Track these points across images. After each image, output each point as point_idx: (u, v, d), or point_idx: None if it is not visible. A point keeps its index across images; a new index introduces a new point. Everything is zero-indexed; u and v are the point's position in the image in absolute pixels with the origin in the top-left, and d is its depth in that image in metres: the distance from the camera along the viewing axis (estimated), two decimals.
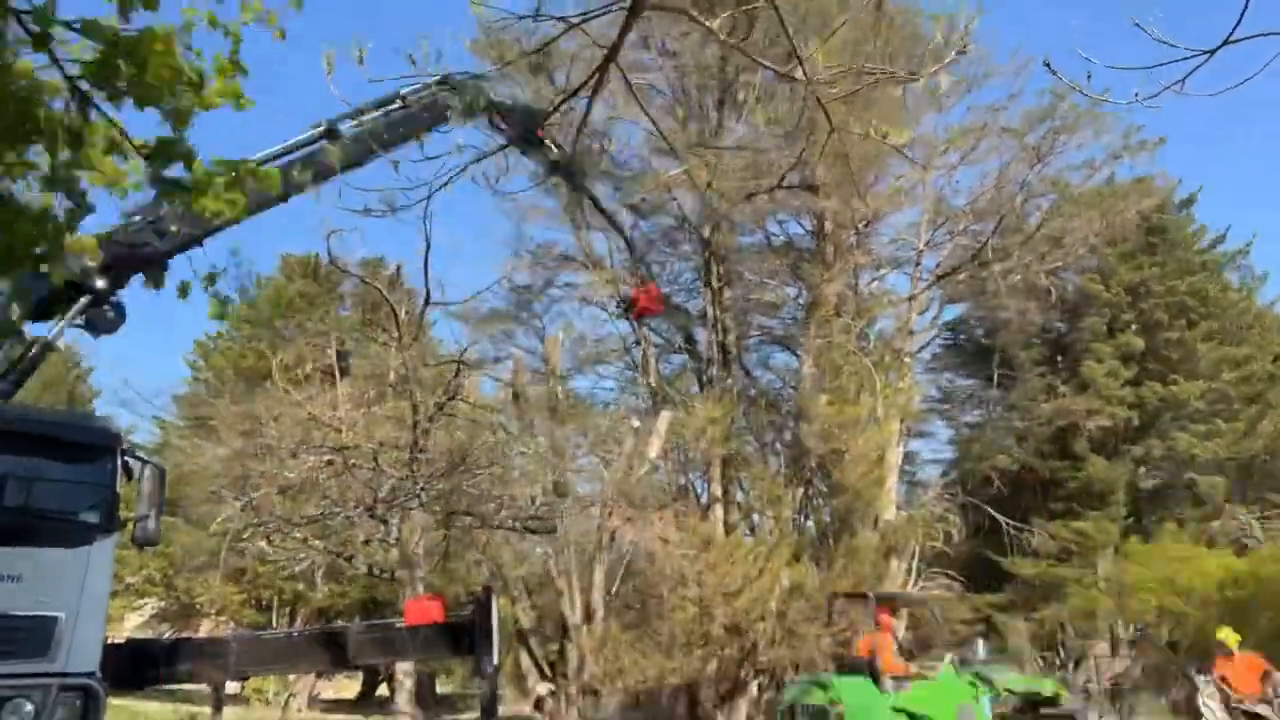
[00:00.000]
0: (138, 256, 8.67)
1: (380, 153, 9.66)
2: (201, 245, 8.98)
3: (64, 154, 3.97)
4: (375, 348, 19.65)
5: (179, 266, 9.06)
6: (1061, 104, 22.56)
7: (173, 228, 8.70)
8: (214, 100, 3.98)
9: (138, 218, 8.76)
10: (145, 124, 4.15)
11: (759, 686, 20.29)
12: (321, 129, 10.04)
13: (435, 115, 10.48)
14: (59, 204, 4.31)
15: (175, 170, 4.06)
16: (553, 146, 11.63)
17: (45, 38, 3.70)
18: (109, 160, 3.92)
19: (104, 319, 8.86)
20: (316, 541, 17.30)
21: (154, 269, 8.81)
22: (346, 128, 10.22)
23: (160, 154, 3.87)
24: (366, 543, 17.72)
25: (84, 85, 3.93)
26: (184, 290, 5.02)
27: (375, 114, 10.48)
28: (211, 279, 4.84)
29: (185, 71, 3.78)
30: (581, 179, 12.63)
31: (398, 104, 10.52)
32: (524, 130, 11.27)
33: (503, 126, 11.13)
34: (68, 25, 3.96)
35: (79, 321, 8.80)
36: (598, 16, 3.88)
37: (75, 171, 4.12)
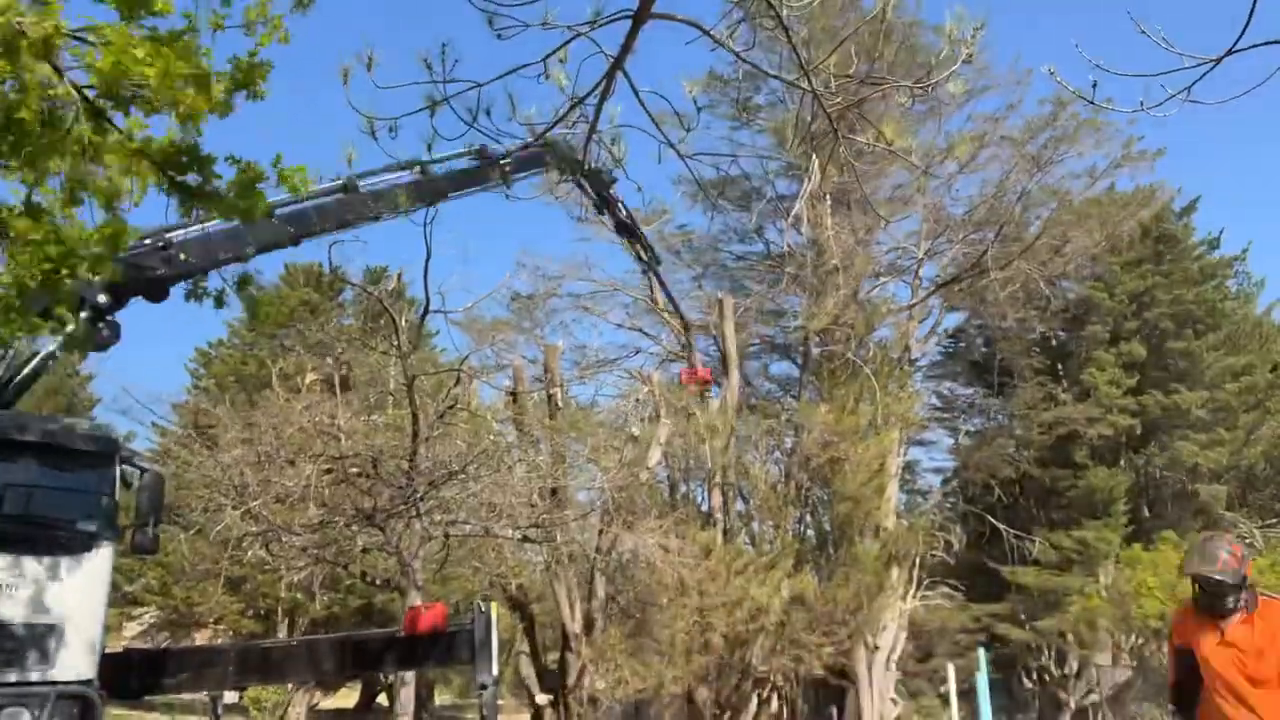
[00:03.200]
0: (140, 279, 8.65)
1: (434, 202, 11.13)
2: (205, 275, 8.90)
3: (83, 166, 3.98)
4: (376, 356, 19.62)
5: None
6: (1063, 113, 22.61)
7: (181, 255, 8.72)
8: (224, 104, 3.97)
9: (147, 241, 8.73)
10: (159, 130, 4.14)
11: (759, 697, 20.21)
12: (340, 183, 10.35)
13: (523, 166, 11.93)
14: (88, 217, 4.32)
15: (190, 178, 4.06)
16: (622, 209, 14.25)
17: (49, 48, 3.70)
18: (123, 170, 3.93)
19: (99, 335, 8.80)
20: (315, 550, 17.23)
21: (155, 290, 8.81)
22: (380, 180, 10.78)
23: (172, 161, 3.86)
24: (364, 551, 17.65)
25: (92, 93, 3.93)
26: (219, 300, 5.05)
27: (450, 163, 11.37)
28: (245, 282, 4.88)
29: (192, 73, 3.79)
30: (642, 235, 15.58)
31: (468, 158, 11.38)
32: (598, 193, 13.49)
33: (586, 188, 13.05)
34: (74, 35, 3.97)
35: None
36: (604, 24, 3.87)
37: (88, 183, 4.14)
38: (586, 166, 12.16)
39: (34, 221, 4.08)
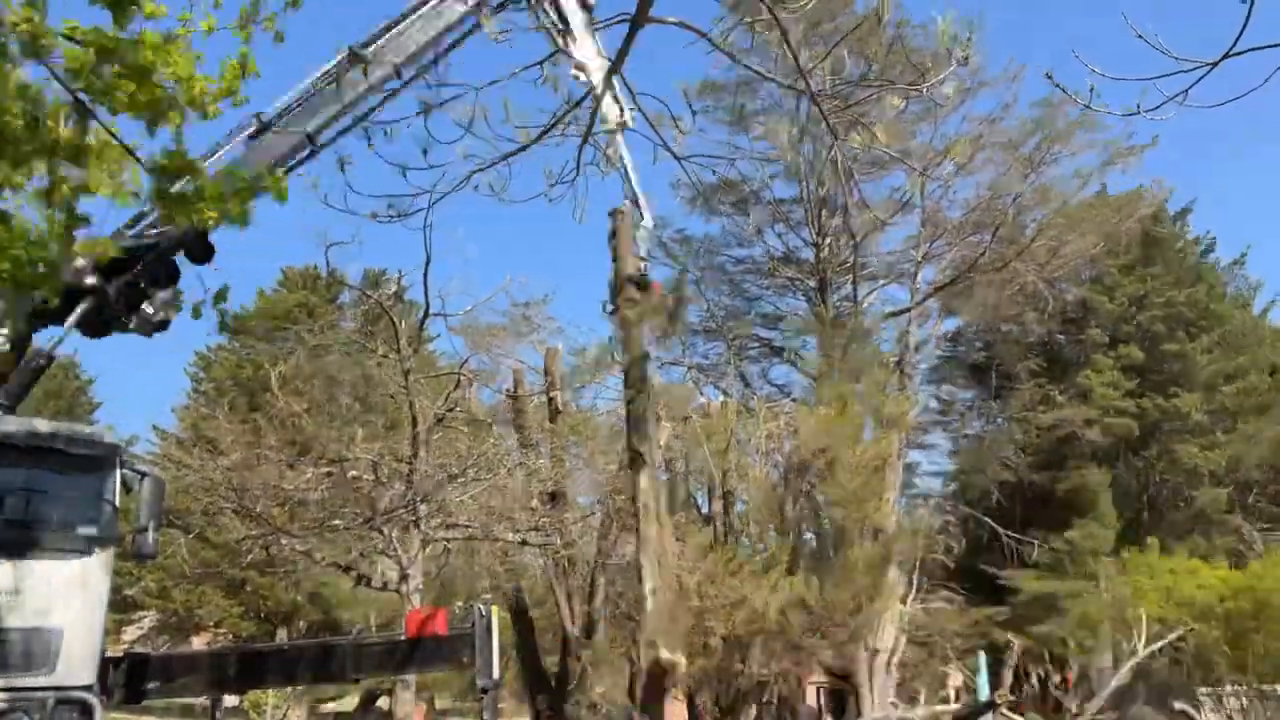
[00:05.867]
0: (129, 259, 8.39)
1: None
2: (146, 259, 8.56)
3: (68, 170, 3.97)
4: (375, 360, 19.63)
5: (189, 286, 8.95)
6: (1056, 114, 22.62)
7: (151, 232, 8.40)
8: (208, 107, 3.97)
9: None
10: (142, 132, 4.13)
11: (758, 700, 20.20)
12: (345, 54, 8.43)
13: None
14: (59, 217, 4.30)
15: (180, 185, 4.05)
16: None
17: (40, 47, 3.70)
18: (110, 174, 3.92)
19: (144, 319, 8.60)
20: (316, 554, 17.23)
21: (200, 247, 8.59)
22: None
23: (165, 169, 3.85)
24: (363, 554, 17.65)
25: (84, 97, 3.93)
26: (196, 311, 5.06)
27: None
28: (221, 295, 4.86)
29: (178, 75, 3.78)
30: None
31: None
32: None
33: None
34: (63, 35, 3.98)
35: (132, 326, 8.61)
36: (601, 29, 3.90)
37: (75, 186, 4.13)
38: None
39: (3, 226, 4.05)
